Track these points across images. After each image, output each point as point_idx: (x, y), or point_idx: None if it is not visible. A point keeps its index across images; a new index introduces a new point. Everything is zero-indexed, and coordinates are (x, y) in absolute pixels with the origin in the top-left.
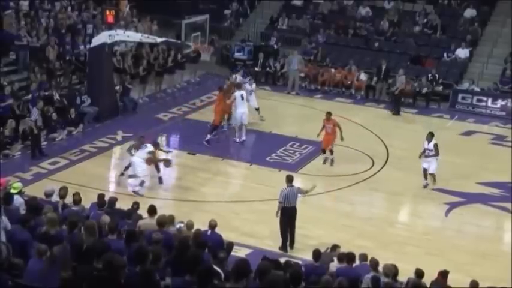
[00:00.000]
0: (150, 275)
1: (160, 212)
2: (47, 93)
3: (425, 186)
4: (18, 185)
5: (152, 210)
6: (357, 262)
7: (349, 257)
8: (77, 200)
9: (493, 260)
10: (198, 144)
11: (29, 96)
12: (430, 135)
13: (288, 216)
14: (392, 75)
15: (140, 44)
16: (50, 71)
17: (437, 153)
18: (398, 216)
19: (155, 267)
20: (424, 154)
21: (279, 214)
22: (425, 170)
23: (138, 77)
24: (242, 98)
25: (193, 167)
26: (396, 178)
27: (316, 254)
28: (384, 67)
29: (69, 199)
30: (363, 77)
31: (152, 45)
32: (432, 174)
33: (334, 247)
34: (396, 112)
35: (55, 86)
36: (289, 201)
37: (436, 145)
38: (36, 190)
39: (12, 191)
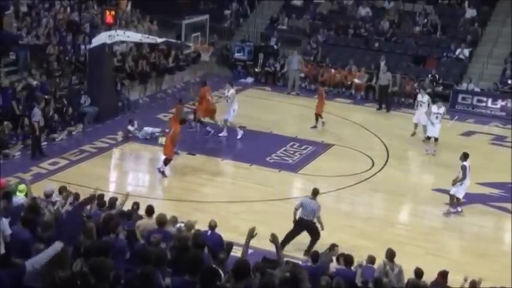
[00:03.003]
0: (150, 277)
1: (161, 212)
2: (47, 94)
3: (447, 213)
4: (23, 187)
5: (150, 211)
6: (364, 263)
7: (346, 260)
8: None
9: (493, 260)
10: (198, 145)
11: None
12: (463, 156)
13: (300, 228)
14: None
15: (140, 44)
16: (49, 71)
17: (463, 177)
18: (398, 216)
19: (155, 268)
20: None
21: (295, 220)
22: (452, 196)
23: (138, 77)
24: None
25: (193, 168)
26: (396, 178)
27: (315, 256)
28: (382, 63)
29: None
30: (360, 78)
31: (152, 46)
32: (453, 196)
33: (333, 246)
34: (380, 107)
35: (54, 86)
36: (305, 213)
37: (463, 167)
38: (36, 190)
39: (18, 193)
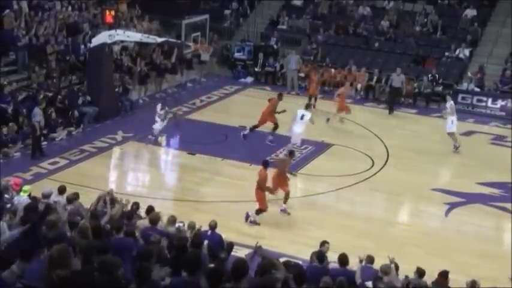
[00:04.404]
0: (146, 273)
1: (160, 212)
2: (49, 94)
3: None
4: (28, 187)
5: (149, 211)
6: (363, 263)
7: (341, 261)
8: (71, 199)
9: (493, 260)
10: (197, 144)
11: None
12: None
13: None
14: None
15: (140, 44)
16: (49, 71)
17: None
18: (398, 216)
19: (151, 265)
20: None
21: None
22: None
23: (138, 77)
24: (301, 118)
25: (193, 167)
26: (396, 178)
27: (320, 256)
28: (399, 69)
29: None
30: (361, 79)
31: (152, 45)
32: None
33: (323, 243)
34: (391, 111)
35: (53, 85)
36: None
37: None
38: (36, 190)
39: (21, 194)
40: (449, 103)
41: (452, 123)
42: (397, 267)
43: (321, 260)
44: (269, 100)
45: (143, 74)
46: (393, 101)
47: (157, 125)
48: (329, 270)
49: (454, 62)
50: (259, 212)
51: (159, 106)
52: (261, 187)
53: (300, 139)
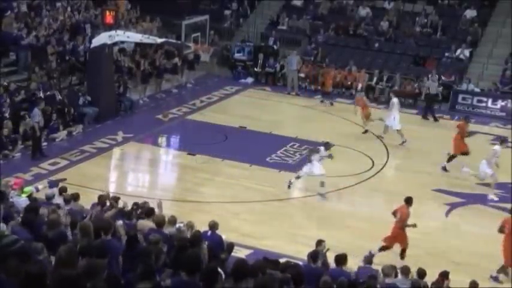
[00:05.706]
0: (150, 271)
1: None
2: (48, 94)
3: None
4: (29, 189)
5: (150, 213)
6: (361, 263)
7: (337, 260)
8: (68, 199)
9: (493, 260)
10: (197, 145)
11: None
12: None
13: None
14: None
15: (141, 45)
16: (49, 72)
17: None
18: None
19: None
20: None
21: None
22: None
23: (142, 76)
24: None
25: (193, 168)
26: (396, 178)
27: (315, 255)
28: (434, 71)
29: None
30: (361, 80)
31: (152, 46)
32: None
33: (319, 242)
34: (435, 118)
35: (54, 86)
36: None
37: None
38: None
39: (22, 195)
40: (393, 100)
41: (394, 119)
42: (408, 271)
43: (315, 259)
44: (458, 126)
45: (146, 73)
46: (431, 107)
47: (316, 168)
48: (322, 270)
49: (454, 62)
50: (403, 253)
51: (322, 148)
52: (402, 226)
53: (486, 174)
